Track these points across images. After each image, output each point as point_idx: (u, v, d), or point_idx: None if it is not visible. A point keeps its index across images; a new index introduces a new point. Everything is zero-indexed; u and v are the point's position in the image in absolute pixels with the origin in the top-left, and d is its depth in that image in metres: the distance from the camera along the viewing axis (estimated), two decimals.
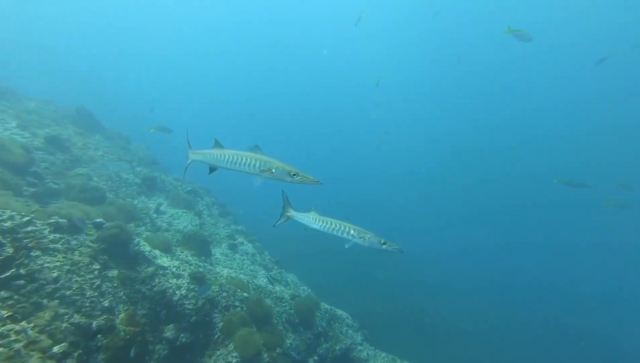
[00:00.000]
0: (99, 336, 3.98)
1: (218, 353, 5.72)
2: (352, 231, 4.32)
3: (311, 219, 4.35)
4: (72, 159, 8.19)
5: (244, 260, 9.46)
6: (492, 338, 13.45)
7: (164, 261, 6.41)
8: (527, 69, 36.30)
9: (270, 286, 8.15)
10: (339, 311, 8.69)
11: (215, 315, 6.13)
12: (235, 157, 3.66)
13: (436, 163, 38.33)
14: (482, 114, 40.42)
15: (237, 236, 10.67)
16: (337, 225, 4.35)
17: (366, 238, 4.30)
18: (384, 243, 4.30)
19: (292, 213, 4.35)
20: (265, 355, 5.96)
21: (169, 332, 5.41)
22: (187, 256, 7.65)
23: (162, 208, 9.47)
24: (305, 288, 10.02)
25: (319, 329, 7.56)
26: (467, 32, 36.99)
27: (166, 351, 5.24)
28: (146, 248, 6.28)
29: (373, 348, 8.62)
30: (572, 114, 35.77)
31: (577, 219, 27.66)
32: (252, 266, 9.28)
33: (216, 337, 5.91)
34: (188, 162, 4.02)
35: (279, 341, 6.35)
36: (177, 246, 7.97)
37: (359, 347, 8.15)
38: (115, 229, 5.79)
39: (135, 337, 4.39)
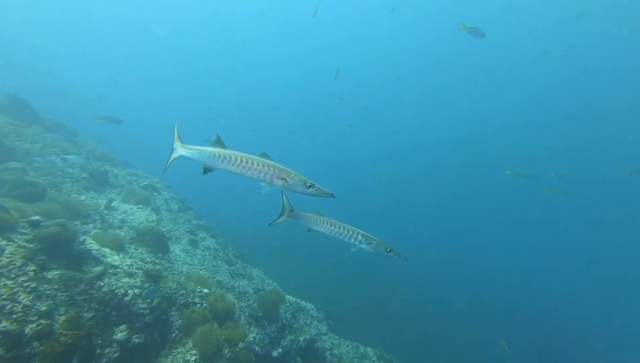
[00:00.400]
0: (34, 343, 3.61)
1: (176, 352, 5.48)
2: (359, 237, 4.21)
3: (318, 222, 4.13)
4: (4, 152, 7.35)
5: (205, 255, 9.13)
6: (455, 321, 14.12)
7: (115, 259, 5.99)
8: (480, 63, 38.45)
9: (233, 281, 7.95)
10: (304, 303, 8.70)
11: (173, 313, 5.87)
12: (243, 160, 3.24)
13: (392, 152, 39.82)
14: (437, 107, 42.44)
15: (198, 231, 10.26)
16: (345, 229, 4.20)
17: (373, 244, 4.22)
18: (390, 251, 4.24)
19: (296, 213, 4.05)
20: (227, 351, 5.81)
21: (120, 333, 5.07)
22: (142, 254, 7.23)
23: (114, 204, 8.83)
24: (271, 282, 9.92)
25: (284, 322, 7.52)
26: (423, 27, 38.43)
27: (117, 353, 4.91)
28: (94, 246, 5.82)
29: (337, 337, 8.76)
30: (517, 107, 38.65)
31: (524, 205, 30.13)
32: (214, 262, 8.98)
33: (174, 335, 5.65)
34: (173, 156, 3.47)
35: (242, 336, 6.22)
36: (130, 244, 7.49)
37: (324, 337, 8.23)
38: (56, 227, 5.29)
39: (79, 341, 4.05)
